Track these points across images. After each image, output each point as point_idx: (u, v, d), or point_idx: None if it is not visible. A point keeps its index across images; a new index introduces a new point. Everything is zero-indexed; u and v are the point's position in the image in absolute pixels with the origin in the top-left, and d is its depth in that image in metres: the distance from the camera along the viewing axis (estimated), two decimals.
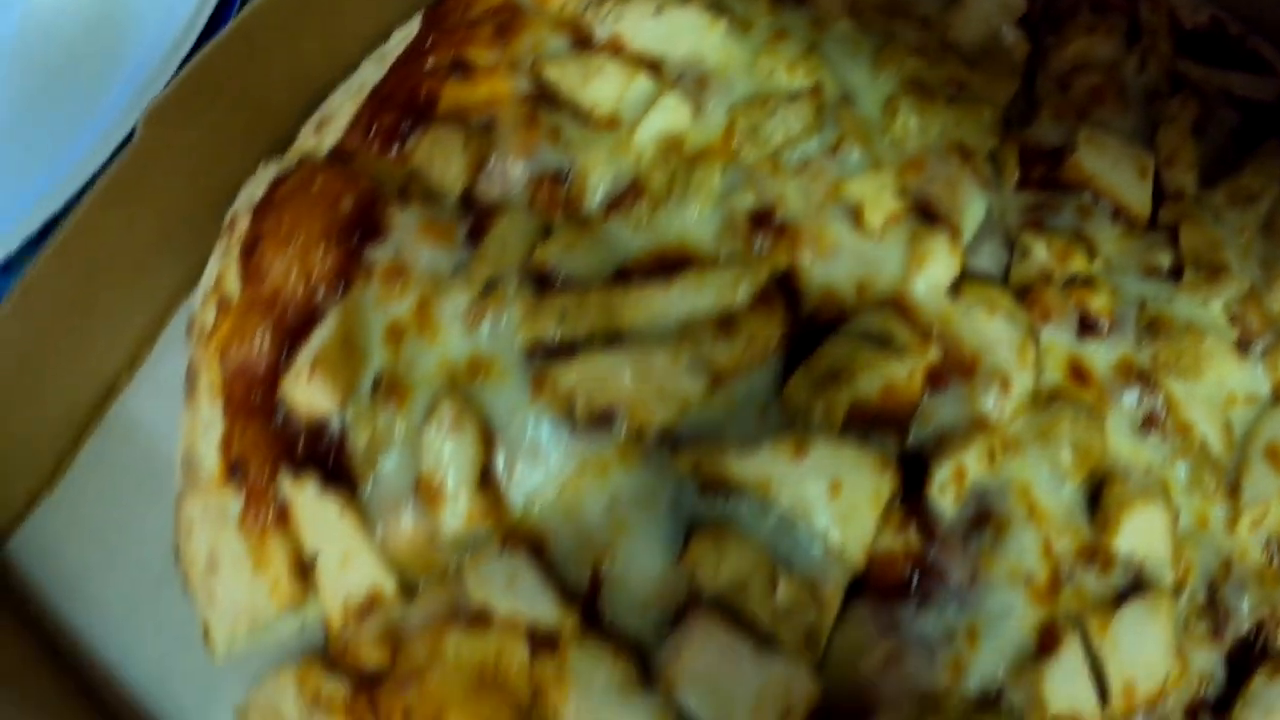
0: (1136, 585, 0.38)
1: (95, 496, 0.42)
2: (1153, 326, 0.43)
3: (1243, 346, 0.44)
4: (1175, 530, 0.39)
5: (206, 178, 0.43)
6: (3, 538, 0.42)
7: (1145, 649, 0.37)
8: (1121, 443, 0.40)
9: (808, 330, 0.39)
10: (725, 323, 0.38)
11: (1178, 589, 0.38)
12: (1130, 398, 0.41)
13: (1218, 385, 0.43)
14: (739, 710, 0.33)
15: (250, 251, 0.39)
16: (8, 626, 0.40)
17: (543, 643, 0.33)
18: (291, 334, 0.38)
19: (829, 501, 0.36)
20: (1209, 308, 0.44)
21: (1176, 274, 0.45)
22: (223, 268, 0.40)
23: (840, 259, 0.40)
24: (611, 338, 0.37)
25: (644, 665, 0.34)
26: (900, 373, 0.38)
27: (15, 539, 0.43)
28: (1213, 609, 0.40)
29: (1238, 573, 0.41)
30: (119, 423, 0.43)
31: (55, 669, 0.40)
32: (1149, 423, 0.42)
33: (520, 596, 0.33)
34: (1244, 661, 0.40)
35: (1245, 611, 0.40)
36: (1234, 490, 0.41)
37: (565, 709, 0.32)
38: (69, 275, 0.39)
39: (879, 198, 0.41)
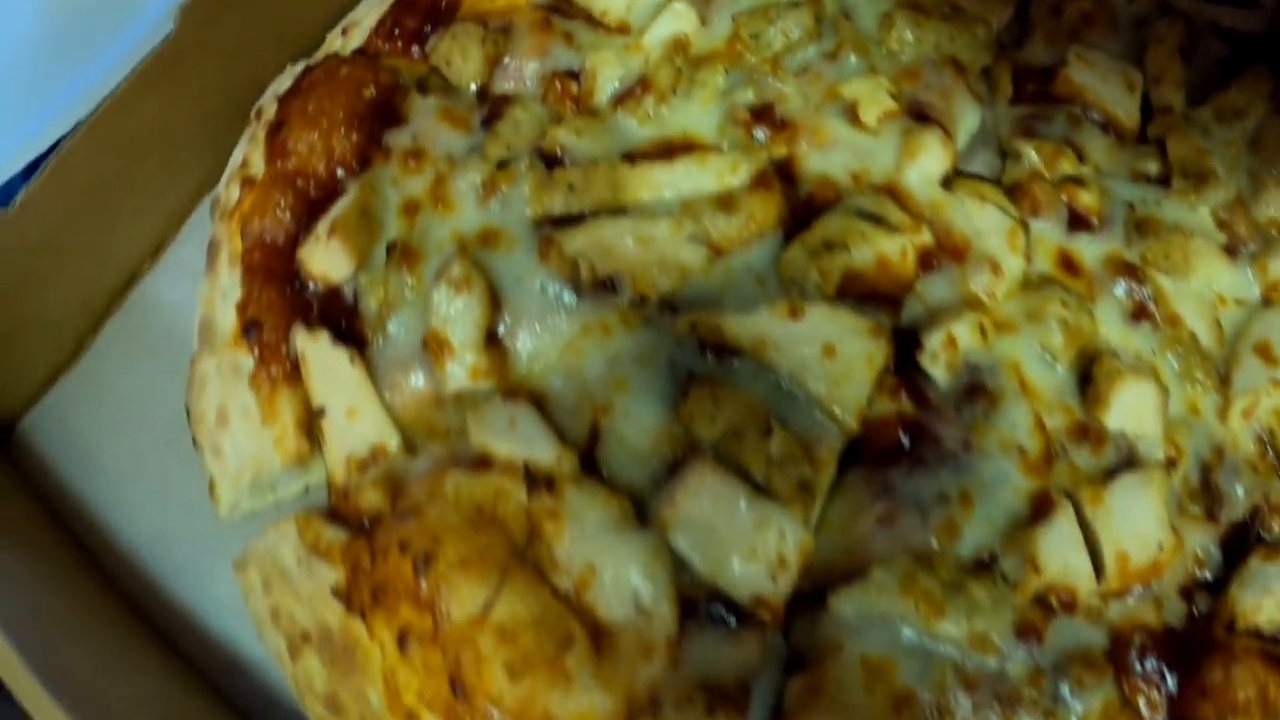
0: (1128, 462, 0.39)
1: (112, 373, 0.44)
2: (1141, 226, 0.45)
3: (1231, 251, 0.46)
4: (1165, 410, 0.40)
5: (237, 75, 0.46)
6: (20, 412, 0.44)
7: (1137, 520, 0.37)
8: (1112, 330, 0.42)
9: (804, 212, 0.41)
10: (725, 201, 0.40)
11: (1170, 467, 0.39)
12: (1120, 289, 0.43)
13: (1206, 285, 0.45)
14: (731, 554, 0.34)
15: (276, 132, 0.41)
16: (20, 494, 0.42)
17: (540, 483, 0.34)
18: (311, 207, 0.41)
19: (823, 363, 0.38)
20: (1197, 212, 0.46)
21: (1165, 182, 0.47)
22: (249, 151, 0.43)
23: (836, 151, 0.42)
24: (616, 211, 0.40)
25: (639, 512, 0.35)
26: (893, 248, 0.39)
27: (33, 414, 0.44)
28: (1207, 492, 0.41)
29: (1231, 460, 0.42)
30: (139, 304, 0.46)
31: (61, 533, 0.42)
32: (1139, 313, 0.43)
33: (519, 439, 0.35)
34: (1239, 547, 0.40)
35: (1240, 497, 0.41)
36: (1224, 381, 0.42)
37: (560, 544, 0.33)
38: (102, 155, 0.42)
39: (874, 97, 0.44)
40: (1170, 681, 0.37)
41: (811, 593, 0.37)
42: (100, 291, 0.45)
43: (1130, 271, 0.43)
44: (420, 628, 0.32)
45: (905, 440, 0.37)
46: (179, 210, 0.47)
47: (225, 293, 0.40)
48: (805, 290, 0.38)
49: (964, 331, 0.38)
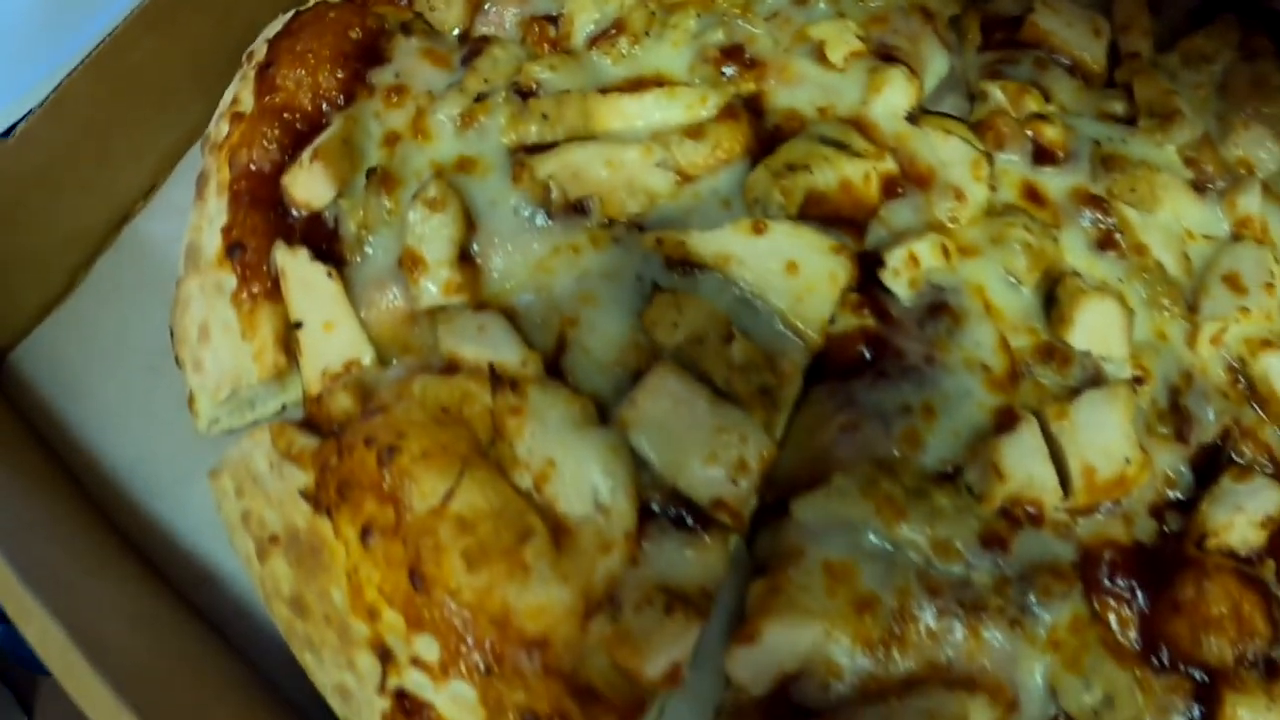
0: (1094, 380, 0.40)
1: (101, 306, 0.46)
2: (1107, 162, 0.46)
3: (1199, 188, 0.46)
4: (1131, 331, 0.40)
5: (232, 24, 0.49)
6: (11, 345, 0.46)
7: (1103, 434, 0.37)
8: (1077, 257, 0.42)
9: (771, 141, 0.43)
10: (693, 130, 0.42)
11: (1136, 385, 0.39)
12: (1085, 218, 0.44)
13: (1174, 219, 0.45)
14: (692, 455, 0.35)
15: (265, 70, 0.44)
16: (8, 420, 0.44)
17: (504, 383, 0.35)
18: (297, 138, 0.43)
19: (785, 279, 0.39)
20: (1163, 150, 0.47)
21: (1131, 122, 0.48)
22: (239, 89, 0.45)
23: (803, 87, 0.44)
24: (588, 139, 0.42)
25: (601, 415, 0.36)
26: (855, 172, 0.41)
27: (23, 345, 0.46)
28: (1176, 414, 0.41)
29: (1200, 386, 0.42)
30: (130, 241, 0.48)
31: (48, 456, 0.43)
32: (1105, 242, 0.44)
33: (486, 344, 0.36)
34: (1211, 469, 0.40)
35: (1210, 420, 0.41)
36: (1192, 309, 0.43)
37: (521, 440, 0.34)
38: (99, 93, 0.44)
39: (841, 38, 0.45)
40: (1141, 598, 0.37)
41: (775, 504, 0.38)
42: (93, 229, 0.47)
43: (1096, 203, 0.44)
44: (383, 521, 0.33)
45: (867, 354, 0.38)
46: (172, 153, 0.49)
47: (212, 219, 0.42)
48: (769, 210, 0.39)
49: (926, 250, 0.39)
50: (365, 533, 0.33)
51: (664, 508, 0.34)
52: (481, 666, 0.32)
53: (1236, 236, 0.46)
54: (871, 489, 0.35)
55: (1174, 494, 0.39)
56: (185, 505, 0.41)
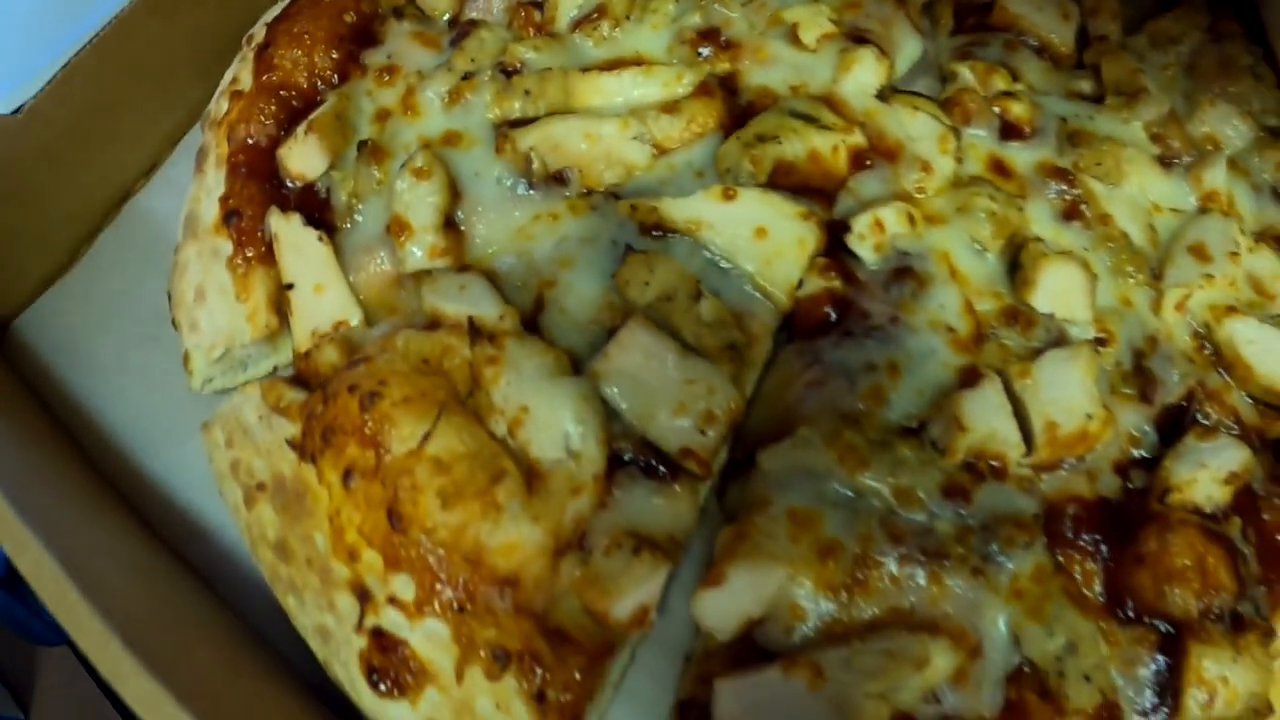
0: (1057, 342, 0.41)
1: (102, 278, 0.49)
2: (1074, 137, 0.48)
3: (1165, 163, 0.49)
4: (1094, 294, 0.42)
5: (232, 8, 0.52)
6: (14, 314, 0.49)
7: (1065, 391, 0.39)
8: (1043, 227, 0.45)
9: (744, 116, 0.45)
10: (669, 106, 0.44)
11: (1099, 346, 0.41)
12: (1051, 190, 0.46)
13: (1140, 192, 0.47)
14: (661, 406, 0.37)
15: (264, 51, 0.47)
16: (10, 383, 0.46)
17: (483, 335, 0.37)
18: (293, 114, 0.46)
19: (755, 244, 0.41)
20: (1129, 126, 0.49)
21: (1099, 100, 0.50)
22: (238, 70, 0.48)
23: (777, 67, 0.47)
24: (568, 114, 0.44)
25: (575, 369, 0.38)
26: (824, 143, 0.43)
27: (26, 314, 0.49)
28: (1140, 375, 0.42)
29: (1165, 350, 0.43)
30: (131, 216, 0.50)
31: (48, 418, 0.45)
32: (1070, 213, 0.46)
33: (467, 300, 0.38)
34: (1175, 430, 0.41)
35: (1174, 382, 0.43)
36: (1157, 277, 0.45)
37: (496, 388, 0.36)
38: (104, 74, 0.47)
39: (814, 21, 0.48)
40: (1105, 551, 0.38)
41: (745, 460, 0.40)
42: (95, 205, 0.50)
43: (1062, 175, 0.46)
44: (363, 463, 0.35)
45: (833, 315, 0.40)
46: (172, 134, 0.52)
47: (210, 190, 0.45)
48: (739, 179, 0.42)
49: (891, 216, 0.41)
50: (347, 475, 0.35)
51: (634, 456, 0.36)
52: (455, 604, 0.34)
53: (1203, 210, 0.48)
54: (835, 439, 0.36)
55: (1138, 452, 0.41)
56: (179, 464, 0.43)
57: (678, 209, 0.41)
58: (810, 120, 0.43)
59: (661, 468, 0.36)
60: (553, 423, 0.35)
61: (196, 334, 0.42)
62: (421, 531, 0.34)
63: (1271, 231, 0.49)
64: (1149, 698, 0.36)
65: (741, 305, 0.39)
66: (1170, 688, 0.37)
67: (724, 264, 0.40)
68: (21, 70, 0.46)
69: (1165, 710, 0.36)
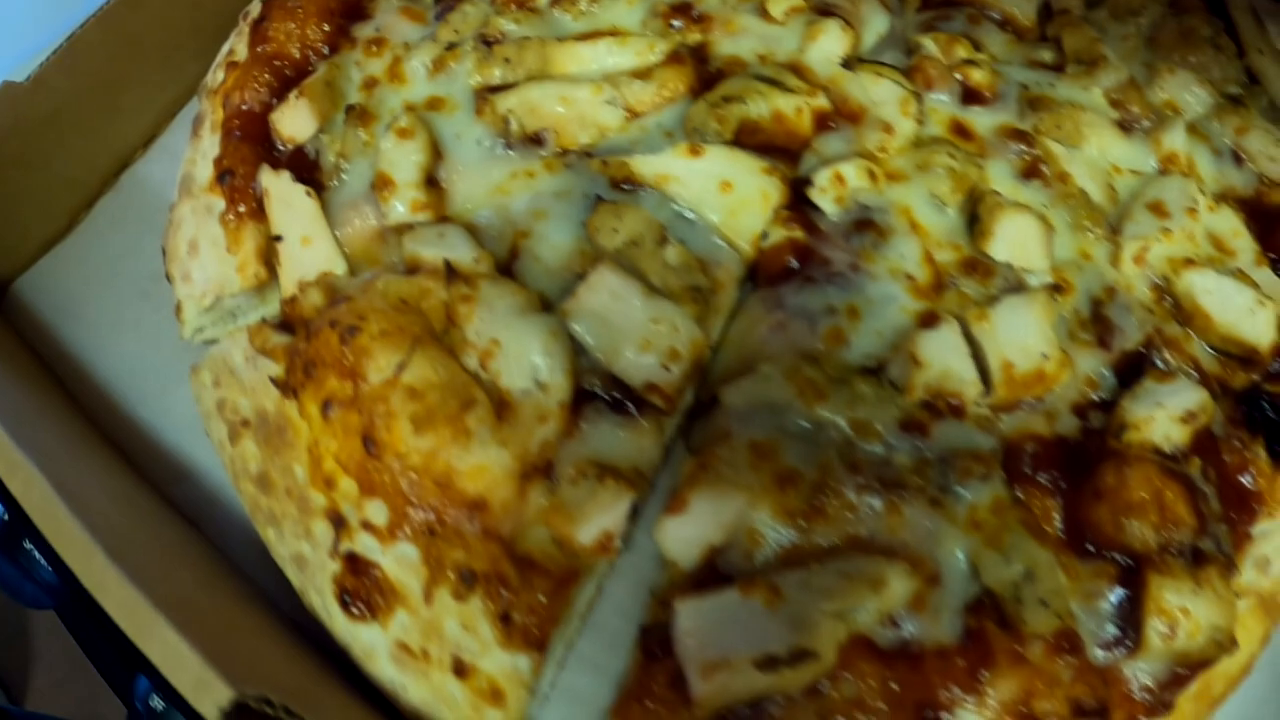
0: (1015, 290, 0.44)
1: (100, 241, 0.53)
2: (1035, 103, 0.51)
3: (1125, 127, 0.51)
4: (1050, 244, 0.45)
5: None
6: (14, 274, 0.52)
7: (1020, 331, 0.41)
8: (1002, 185, 0.47)
9: (713, 82, 0.48)
10: (641, 73, 0.48)
11: (1056, 292, 0.43)
12: (1011, 151, 0.49)
13: (1100, 154, 0.50)
14: (626, 342, 0.39)
15: (259, 24, 0.51)
16: (9, 339, 0.49)
17: (459, 277, 0.40)
18: (285, 83, 0.49)
19: (720, 197, 0.44)
20: (1090, 92, 0.52)
21: (1059, 70, 0.53)
22: (234, 42, 0.52)
23: (746, 37, 0.50)
24: (545, 80, 0.48)
25: (547, 309, 0.40)
26: (788, 105, 0.46)
27: (26, 275, 0.52)
28: (1098, 323, 0.45)
29: (1123, 300, 0.46)
30: (129, 183, 0.54)
31: (46, 373, 0.48)
32: (1030, 173, 0.48)
33: (444, 246, 0.41)
34: (1133, 375, 0.43)
35: (1132, 329, 0.45)
36: (1115, 232, 0.47)
37: (470, 324, 0.39)
38: (108, 46, 0.51)
39: None
40: (1063, 488, 0.40)
41: (710, 401, 0.42)
42: (95, 173, 0.54)
43: (1022, 137, 0.49)
44: (342, 394, 0.38)
45: (795, 262, 0.43)
46: (172, 107, 0.57)
47: (205, 153, 0.49)
48: (706, 137, 0.45)
49: (851, 171, 0.45)
50: (326, 406, 0.38)
51: (601, 391, 0.39)
52: (425, 528, 0.36)
53: (1163, 172, 0.50)
54: (795, 375, 0.39)
55: (1096, 395, 0.43)
56: (168, 410, 0.46)
57: (647, 165, 0.44)
58: (775, 84, 0.47)
59: (627, 402, 0.39)
60: (522, 355, 0.38)
61: (189, 285, 0.45)
62: (395, 456, 0.36)
63: (1233, 193, 0.52)
64: (1110, 630, 0.38)
65: (706, 253, 0.42)
66: (1131, 620, 0.39)
67: (690, 215, 0.43)
68: (34, 41, 0.50)
69: (1127, 642, 0.38)
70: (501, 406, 0.37)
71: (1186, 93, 0.53)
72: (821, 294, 0.42)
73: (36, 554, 0.53)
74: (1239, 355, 0.46)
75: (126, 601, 0.32)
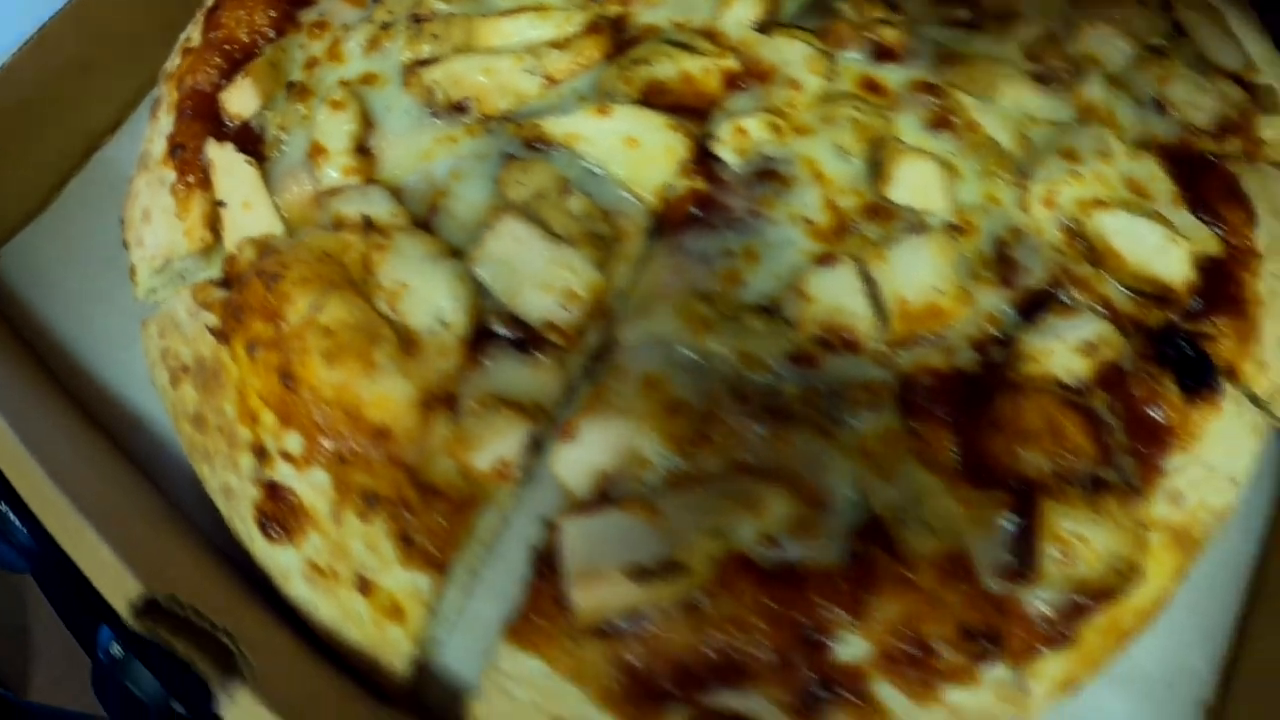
0: (916, 231, 0.46)
1: (69, 218, 0.59)
2: (949, 58, 0.54)
3: (1042, 79, 0.54)
4: (952, 187, 0.47)
5: None
6: None
7: (915, 268, 0.44)
8: (910, 135, 0.50)
9: (628, 49, 0.53)
10: (560, 43, 0.53)
11: (956, 233, 0.46)
12: (921, 103, 0.51)
13: (1014, 105, 0.52)
14: (528, 284, 0.43)
15: (212, 12, 0.57)
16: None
17: (376, 229, 0.45)
18: (234, 65, 0.55)
19: (626, 152, 0.48)
20: (1005, 46, 0.54)
21: (976, 26, 0.56)
22: (191, 30, 0.59)
23: (663, 7, 0.54)
24: (470, 53, 0.53)
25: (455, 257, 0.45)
26: (696, 66, 0.50)
27: (1, 250, 0.59)
28: (1002, 263, 0.47)
29: (1031, 242, 0.48)
30: (98, 164, 0.61)
31: (14, 336, 0.54)
32: (939, 124, 0.51)
33: (366, 204, 0.46)
34: (1037, 312, 0.45)
35: (1038, 268, 0.47)
36: (1025, 176, 0.49)
37: (383, 269, 0.43)
38: (77, 37, 0.58)
39: None
40: (960, 421, 0.42)
41: (611, 343, 0.45)
42: (66, 157, 0.61)
43: (932, 90, 0.52)
44: (265, 335, 0.43)
45: (697, 211, 0.47)
46: (138, 95, 0.63)
47: (161, 131, 0.55)
48: (615, 99, 0.49)
49: (753, 124, 0.48)
50: (251, 347, 0.43)
51: (504, 331, 0.43)
52: (336, 455, 0.40)
53: (1081, 122, 0.53)
54: (686, 311, 0.43)
55: (998, 332, 0.45)
56: (125, 366, 0.52)
57: (557, 125, 0.48)
58: (685, 47, 0.51)
59: (528, 341, 0.43)
60: (428, 296, 0.42)
61: (142, 249, 0.51)
62: (309, 390, 0.41)
63: (1154, 140, 0.54)
64: (1005, 558, 0.40)
65: (612, 205, 0.47)
66: (1026, 548, 0.40)
67: (597, 171, 0.48)
68: (14, 36, 0.57)
69: (1023, 570, 0.40)
70: (407, 343, 0.42)
71: (1107, 45, 0.55)
72: (719, 238, 0.45)
73: (12, 517, 0.59)
74: (1154, 294, 0.48)
75: (60, 511, 0.37)
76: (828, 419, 0.41)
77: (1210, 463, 0.45)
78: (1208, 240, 0.49)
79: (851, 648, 0.37)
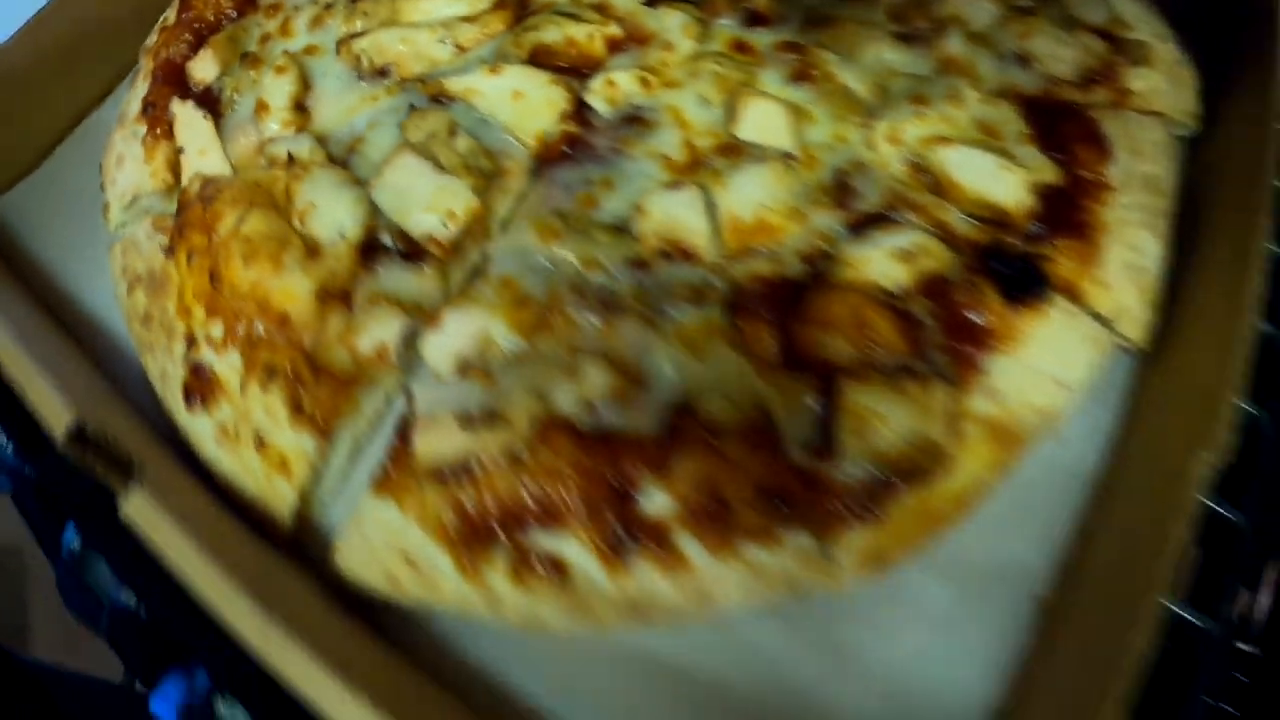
0: (757, 161, 0.56)
1: (60, 173, 0.78)
2: (817, 21, 0.67)
3: (906, 38, 0.64)
4: (799, 128, 0.59)
5: None
6: None
7: (749, 188, 0.57)
8: (771, 87, 0.62)
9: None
10: (471, 18, 0.66)
11: (792, 161, 0.57)
12: (785, 61, 0.63)
13: (875, 60, 0.65)
14: (415, 207, 0.58)
15: None
16: None
17: (298, 164, 0.58)
18: (200, 40, 0.71)
19: (513, 104, 0.62)
20: (872, 10, 0.65)
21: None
22: (168, 12, 0.76)
23: None
24: (393, 26, 0.65)
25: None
26: (581, 32, 0.64)
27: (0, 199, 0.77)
28: (840, 190, 0.59)
29: (873, 174, 0.60)
30: (86, 129, 0.81)
31: (15, 276, 0.68)
32: (800, 76, 0.63)
33: (294, 145, 0.61)
34: (866, 228, 0.54)
35: (874, 195, 0.59)
36: (874, 118, 0.59)
37: (299, 193, 0.59)
38: (68, 22, 0.76)
39: None
40: (779, 319, 0.51)
41: (487, 259, 0.56)
42: (56, 126, 0.79)
43: (797, 49, 0.65)
44: (200, 245, 0.57)
45: (568, 150, 0.58)
46: (123, 69, 0.81)
47: (137, 94, 0.72)
48: (509, 60, 0.62)
49: (624, 78, 0.63)
50: (189, 256, 0.57)
51: (393, 244, 0.57)
52: (246, 338, 0.53)
53: (940, 74, 0.62)
54: (542, 225, 0.56)
55: (827, 247, 0.56)
56: (101, 290, 0.66)
57: (457, 83, 0.64)
58: (573, 17, 0.63)
59: (413, 253, 0.56)
60: (332, 214, 0.57)
61: (114, 188, 0.67)
62: (229, 286, 0.54)
63: (1015, 90, 0.64)
64: (809, 432, 0.50)
65: (496, 146, 0.62)
66: (828, 424, 0.49)
67: (487, 119, 0.62)
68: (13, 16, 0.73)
69: (825, 445, 0.48)
70: (312, 250, 0.55)
71: (971, 6, 0.66)
72: (582, 170, 0.59)
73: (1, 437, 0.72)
74: (993, 219, 0.58)
75: (20, 361, 0.49)
76: (655, 312, 0.52)
77: (1035, 366, 0.54)
78: (1047, 170, 0.58)
79: (656, 502, 0.47)
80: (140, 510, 0.48)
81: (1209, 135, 0.65)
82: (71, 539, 0.70)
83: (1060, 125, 0.65)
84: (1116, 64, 0.68)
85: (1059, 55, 0.67)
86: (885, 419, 0.52)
